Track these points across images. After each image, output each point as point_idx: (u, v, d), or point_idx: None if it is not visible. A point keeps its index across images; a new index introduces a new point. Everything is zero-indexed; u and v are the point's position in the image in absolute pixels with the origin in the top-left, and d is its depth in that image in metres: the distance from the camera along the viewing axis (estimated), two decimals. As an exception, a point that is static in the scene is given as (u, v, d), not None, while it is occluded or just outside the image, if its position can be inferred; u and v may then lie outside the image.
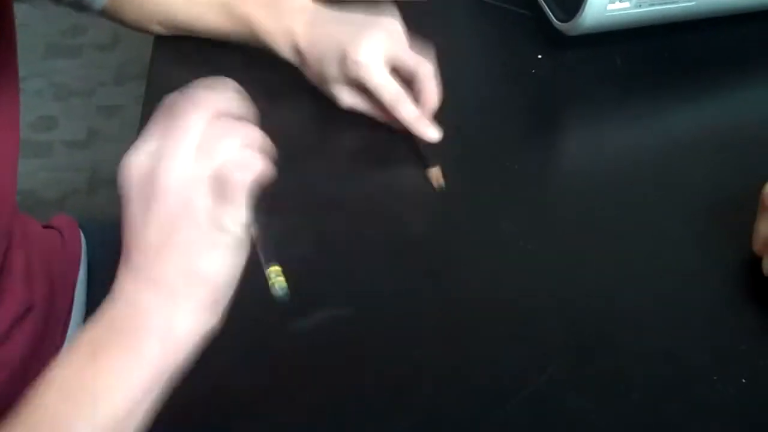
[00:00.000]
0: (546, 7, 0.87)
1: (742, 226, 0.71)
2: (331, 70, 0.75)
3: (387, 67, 0.74)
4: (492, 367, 0.63)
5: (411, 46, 0.75)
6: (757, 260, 0.67)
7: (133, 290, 0.49)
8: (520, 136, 0.81)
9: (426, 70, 0.74)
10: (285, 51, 0.78)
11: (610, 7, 0.81)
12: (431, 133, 0.74)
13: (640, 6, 0.82)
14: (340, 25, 0.75)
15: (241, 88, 0.54)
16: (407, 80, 0.75)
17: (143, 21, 0.84)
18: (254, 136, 0.51)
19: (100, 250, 0.88)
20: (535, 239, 0.71)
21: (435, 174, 0.75)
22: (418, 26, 0.76)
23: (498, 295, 0.68)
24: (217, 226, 0.49)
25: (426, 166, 0.75)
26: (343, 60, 0.73)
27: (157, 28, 0.85)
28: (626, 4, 0.81)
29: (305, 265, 0.67)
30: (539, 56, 0.86)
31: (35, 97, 2.07)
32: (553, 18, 0.86)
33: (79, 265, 0.85)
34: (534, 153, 0.80)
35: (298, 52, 0.77)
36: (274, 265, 0.54)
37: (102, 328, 0.48)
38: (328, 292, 0.67)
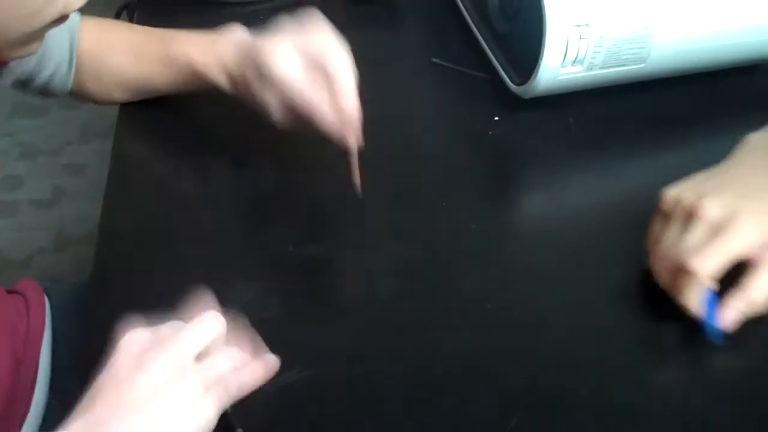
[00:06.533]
0: (501, 70, 0.90)
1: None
2: (253, 78, 0.76)
3: (301, 60, 0.73)
4: (454, 425, 0.64)
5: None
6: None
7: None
8: (478, 196, 0.83)
9: (335, 56, 0.72)
10: (220, 79, 0.80)
11: (563, 71, 0.83)
12: (351, 136, 0.72)
13: (591, 69, 0.85)
14: (258, 39, 0.77)
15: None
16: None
17: (105, 93, 0.88)
18: (246, 358, 0.61)
19: (63, 315, 0.89)
20: (494, 297, 0.72)
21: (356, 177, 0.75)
22: (375, 89, 0.77)
23: (459, 353, 0.69)
24: (190, 407, 0.55)
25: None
26: (255, 61, 0.75)
27: (120, 96, 0.87)
28: (578, 68, 0.84)
29: (270, 328, 0.69)
30: (495, 118, 0.89)
31: (1, 156, 2.07)
32: (508, 81, 0.89)
33: (43, 332, 0.85)
34: (491, 212, 0.82)
35: (229, 76, 0.79)
36: None
37: None
38: (293, 353, 0.68)
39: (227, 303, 0.67)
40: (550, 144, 0.87)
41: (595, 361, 0.68)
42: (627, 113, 0.90)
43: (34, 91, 0.85)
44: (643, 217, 0.79)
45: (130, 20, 1.00)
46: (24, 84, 0.83)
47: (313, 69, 0.73)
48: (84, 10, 0.86)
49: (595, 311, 0.72)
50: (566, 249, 0.77)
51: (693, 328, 0.67)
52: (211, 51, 0.81)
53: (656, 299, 0.72)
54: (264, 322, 0.68)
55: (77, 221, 1.92)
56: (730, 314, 0.66)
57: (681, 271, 0.66)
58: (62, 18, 0.62)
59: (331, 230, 0.79)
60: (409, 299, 0.73)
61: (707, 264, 0.65)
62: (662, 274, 0.69)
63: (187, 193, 0.83)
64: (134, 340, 0.56)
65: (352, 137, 0.73)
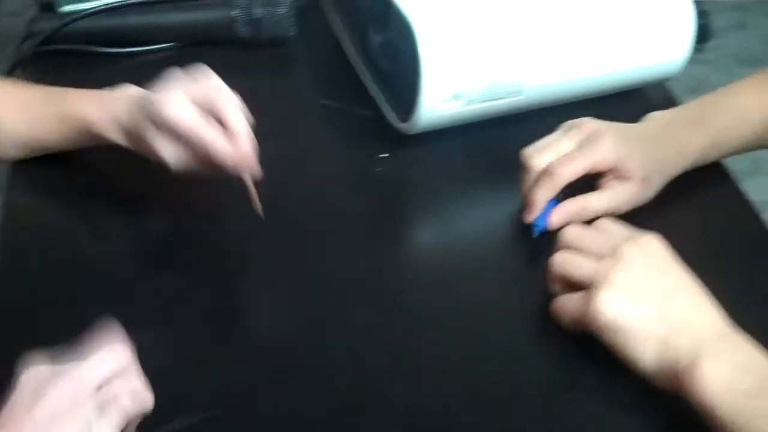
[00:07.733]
0: (384, 108, 0.92)
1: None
2: (146, 128, 0.78)
3: (192, 105, 0.76)
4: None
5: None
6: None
7: None
8: (367, 233, 0.85)
9: (224, 96, 0.76)
10: (114, 135, 0.82)
11: (443, 106, 0.86)
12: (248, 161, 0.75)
13: (471, 104, 0.87)
14: (149, 91, 0.80)
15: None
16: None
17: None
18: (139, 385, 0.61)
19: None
20: (385, 329, 0.74)
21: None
22: (265, 133, 0.78)
23: (358, 388, 0.70)
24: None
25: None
26: (148, 110, 0.77)
27: (14, 153, 0.88)
28: (458, 103, 0.87)
29: (169, 371, 0.69)
30: (383, 155, 0.91)
31: None
32: (391, 119, 0.91)
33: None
34: (381, 249, 0.83)
35: (123, 130, 0.81)
36: None
37: None
38: (194, 396, 0.68)
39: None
40: (438, 177, 0.89)
41: (484, 386, 0.70)
42: (515, 142, 0.92)
43: None
44: (535, 247, 0.80)
45: (24, 75, 1.01)
46: None
47: (204, 111, 0.76)
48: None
49: (486, 337, 0.74)
50: (458, 281, 0.79)
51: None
52: (105, 108, 0.83)
53: (550, 326, 0.74)
54: (162, 367, 0.69)
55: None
56: (559, 215, 0.79)
57: (544, 173, 0.79)
58: None
59: (224, 272, 0.80)
60: (303, 336, 0.74)
61: (567, 170, 0.78)
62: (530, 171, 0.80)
63: (82, 243, 0.84)
64: (34, 374, 0.57)
65: (248, 168, 0.76)
